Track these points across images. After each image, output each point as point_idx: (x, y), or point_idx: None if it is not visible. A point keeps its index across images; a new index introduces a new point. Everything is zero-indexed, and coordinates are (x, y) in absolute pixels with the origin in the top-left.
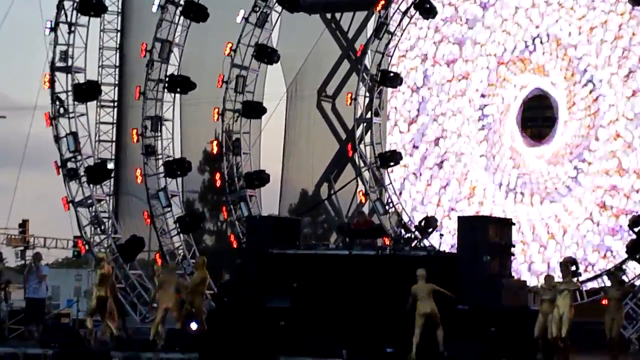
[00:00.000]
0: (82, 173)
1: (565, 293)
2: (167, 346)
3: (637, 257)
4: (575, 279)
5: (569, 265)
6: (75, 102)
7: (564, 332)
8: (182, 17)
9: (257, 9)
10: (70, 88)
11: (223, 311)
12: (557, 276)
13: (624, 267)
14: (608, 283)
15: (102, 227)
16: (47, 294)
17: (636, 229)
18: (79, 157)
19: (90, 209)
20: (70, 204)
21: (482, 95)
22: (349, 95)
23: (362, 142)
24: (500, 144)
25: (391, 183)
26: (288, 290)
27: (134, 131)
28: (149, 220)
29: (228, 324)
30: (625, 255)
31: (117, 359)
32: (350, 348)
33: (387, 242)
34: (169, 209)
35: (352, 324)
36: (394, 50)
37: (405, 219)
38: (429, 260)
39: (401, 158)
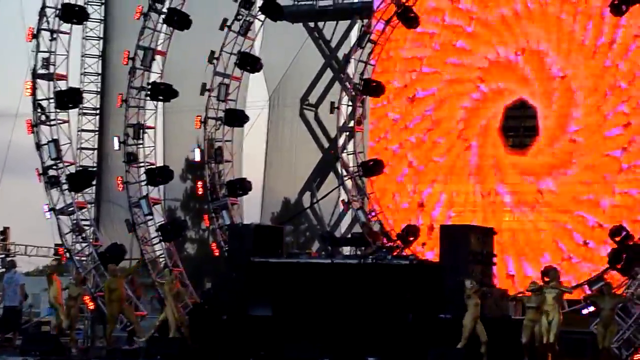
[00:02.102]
0: (63, 180)
1: (554, 296)
2: (149, 354)
3: (618, 266)
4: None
5: (551, 271)
6: (57, 110)
7: (552, 337)
8: (165, 25)
9: (240, 17)
10: (52, 95)
11: (205, 319)
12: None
13: (604, 276)
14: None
15: (83, 235)
16: (20, 302)
17: (617, 239)
18: (60, 165)
19: (72, 216)
20: (52, 212)
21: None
22: (332, 104)
23: (345, 150)
24: (483, 153)
25: (373, 192)
26: (270, 299)
27: (116, 138)
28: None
29: (210, 332)
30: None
31: None
32: (333, 356)
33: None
34: (151, 217)
35: (335, 333)
36: (377, 59)
37: (387, 227)
38: (411, 269)
39: (383, 167)
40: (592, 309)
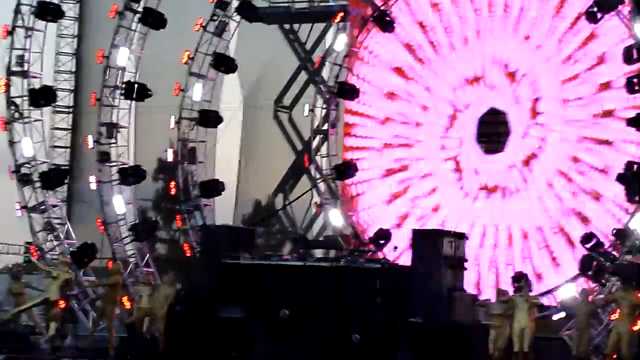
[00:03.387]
0: (36, 178)
1: (526, 306)
2: (119, 355)
3: (589, 273)
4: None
5: (522, 278)
6: (31, 107)
7: (526, 345)
8: (140, 24)
9: (216, 17)
10: (26, 93)
11: (176, 320)
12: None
13: (574, 283)
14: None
15: (55, 233)
16: None
17: (588, 245)
18: (33, 163)
19: (44, 214)
20: (24, 209)
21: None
22: (306, 106)
23: (318, 153)
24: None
25: (346, 195)
26: (242, 300)
27: (88, 138)
28: (102, 228)
29: (181, 333)
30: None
31: None
32: (303, 358)
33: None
34: (123, 216)
35: (306, 334)
36: (353, 62)
37: (360, 230)
38: (382, 272)
39: (357, 170)
40: (562, 314)
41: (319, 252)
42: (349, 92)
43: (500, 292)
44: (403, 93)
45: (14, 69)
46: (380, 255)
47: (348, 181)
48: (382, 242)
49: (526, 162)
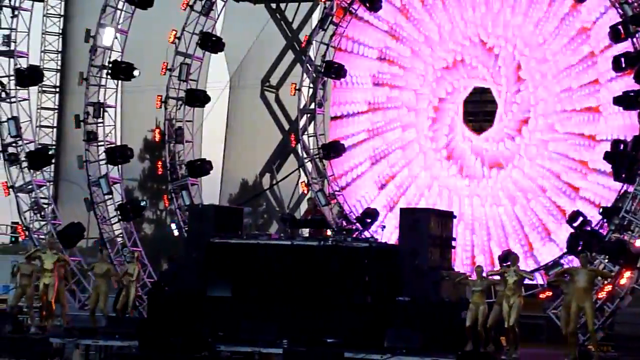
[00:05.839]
0: (22, 158)
1: (515, 280)
2: (107, 333)
3: (577, 251)
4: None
5: (511, 256)
6: (17, 87)
7: (512, 320)
8: (126, 4)
9: None
10: (12, 72)
11: (163, 300)
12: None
13: (561, 261)
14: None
15: (42, 213)
16: None
17: (575, 224)
18: (20, 142)
19: (31, 194)
20: (11, 189)
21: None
22: (293, 85)
23: (306, 133)
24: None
25: (333, 174)
26: (229, 280)
27: (75, 117)
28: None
29: (168, 312)
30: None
31: (56, 345)
32: (291, 338)
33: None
34: (110, 196)
35: (293, 314)
36: (339, 41)
37: (347, 210)
38: (369, 251)
39: (344, 150)
40: (549, 293)
41: (306, 232)
42: (336, 71)
43: (477, 269)
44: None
45: (0, 48)
46: (367, 234)
47: (337, 171)
48: (368, 220)
49: (519, 130)
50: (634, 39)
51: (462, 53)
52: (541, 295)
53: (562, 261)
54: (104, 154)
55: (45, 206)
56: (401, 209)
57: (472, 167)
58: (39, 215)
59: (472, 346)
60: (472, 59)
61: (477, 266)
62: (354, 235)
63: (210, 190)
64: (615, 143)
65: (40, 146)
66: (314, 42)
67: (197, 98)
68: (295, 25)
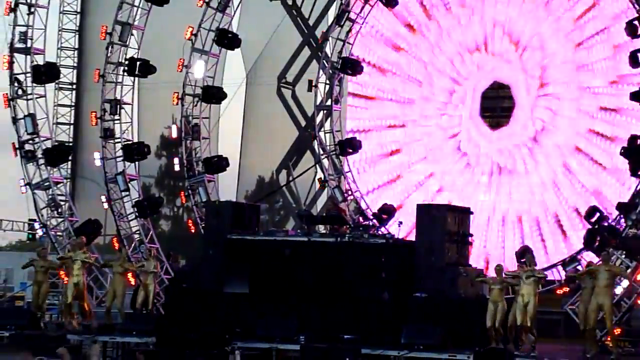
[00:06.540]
0: (39, 155)
1: (530, 280)
2: (124, 330)
3: (594, 247)
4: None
5: (527, 254)
6: (34, 84)
7: (528, 320)
8: (142, 0)
9: None
10: (29, 69)
11: (181, 296)
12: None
13: (579, 257)
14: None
15: (59, 210)
16: None
17: (592, 220)
18: (36, 139)
19: (48, 191)
20: (28, 186)
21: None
22: (310, 82)
23: (322, 129)
24: (461, 132)
25: (350, 171)
26: (246, 276)
27: (93, 114)
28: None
29: (186, 309)
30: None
31: (74, 341)
32: (308, 334)
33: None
34: (127, 193)
35: (310, 310)
36: (355, 37)
37: (364, 206)
38: (386, 247)
39: (360, 146)
40: (566, 289)
41: (322, 228)
42: (353, 67)
43: (497, 268)
44: (396, 68)
45: (17, 45)
46: (384, 230)
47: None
48: (385, 217)
49: (534, 139)
50: None
51: (486, 46)
52: (558, 291)
53: (578, 257)
54: (120, 150)
55: (62, 203)
56: (418, 205)
57: (486, 163)
58: (56, 212)
59: (496, 345)
60: (495, 54)
61: (497, 265)
62: (371, 232)
63: (227, 187)
64: (632, 139)
65: (57, 143)
66: (330, 38)
67: (214, 95)
68: (311, 22)
